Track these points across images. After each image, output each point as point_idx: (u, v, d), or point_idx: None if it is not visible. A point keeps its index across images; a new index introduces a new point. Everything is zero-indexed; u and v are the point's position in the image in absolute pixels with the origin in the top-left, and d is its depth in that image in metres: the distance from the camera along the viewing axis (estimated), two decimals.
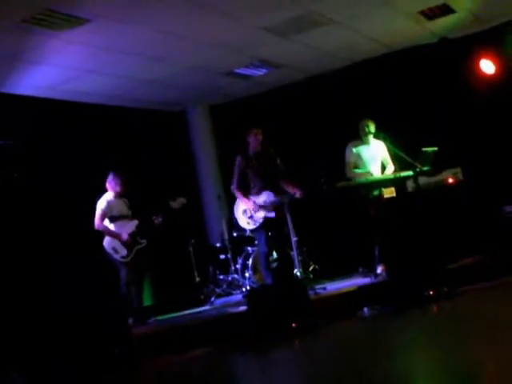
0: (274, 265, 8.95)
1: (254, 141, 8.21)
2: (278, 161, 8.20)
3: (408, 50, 10.01)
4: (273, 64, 10.10)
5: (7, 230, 7.90)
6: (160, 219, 8.32)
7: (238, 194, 8.17)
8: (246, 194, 8.12)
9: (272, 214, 7.98)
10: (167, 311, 9.26)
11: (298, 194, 7.89)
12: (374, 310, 7.08)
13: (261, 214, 7.98)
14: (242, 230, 9.24)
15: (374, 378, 4.02)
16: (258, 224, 8.03)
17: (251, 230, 8.37)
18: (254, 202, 8.01)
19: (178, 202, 8.37)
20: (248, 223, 8.10)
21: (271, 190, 8.06)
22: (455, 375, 3.73)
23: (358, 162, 8.53)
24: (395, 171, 8.48)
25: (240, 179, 8.15)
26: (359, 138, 8.62)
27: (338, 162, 8.63)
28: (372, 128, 8.49)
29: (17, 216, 8.21)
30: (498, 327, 4.87)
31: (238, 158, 8.20)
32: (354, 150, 8.54)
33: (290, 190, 7.98)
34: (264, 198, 8.03)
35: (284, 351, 5.99)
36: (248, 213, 8.04)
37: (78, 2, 6.94)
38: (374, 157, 8.57)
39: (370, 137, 8.53)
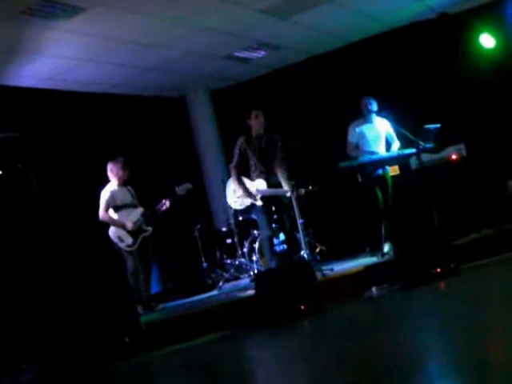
0: (281, 247, 8.97)
1: (255, 123, 8.08)
2: (279, 146, 8.13)
3: (407, 27, 9.94)
4: (272, 46, 10.07)
5: (12, 221, 7.91)
6: (166, 206, 8.30)
7: (234, 174, 8.16)
8: (240, 176, 8.14)
9: (259, 203, 7.98)
10: (175, 297, 9.29)
11: (289, 194, 7.87)
12: (382, 290, 7.10)
13: (247, 201, 8.03)
14: (246, 213, 9.26)
15: (383, 359, 4.02)
16: (243, 207, 8.13)
17: (254, 214, 8.43)
18: (245, 189, 8.02)
19: (183, 188, 8.37)
20: (235, 202, 8.23)
21: (266, 179, 8.06)
22: (465, 354, 3.73)
23: (362, 142, 8.46)
24: (399, 148, 8.46)
25: (239, 159, 8.11)
26: (361, 116, 8.57)
27: (341, 143, 8.59)
28: (374, 105, 8.43)
29: (21, 207, 8.22)
30: (507, 303, 4.87)
31: (240, 139, 8.13)
32: (357, 129, 8.48)
33: (284, 186, 7.95)
34: (257, 186, 8.00)
35: (294, 334, 6.00)
36: (237, 193, 8.13)
37: None
38: (378, 135, 8.51)
39: (373, 114, 8.47)
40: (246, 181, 8.08)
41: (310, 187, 8.53)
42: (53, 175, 8.94)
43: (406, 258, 7.05)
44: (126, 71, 9.70)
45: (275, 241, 8.46)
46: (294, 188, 7.82)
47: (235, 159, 8.15)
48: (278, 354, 5.23)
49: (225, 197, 8.53)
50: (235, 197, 8.20)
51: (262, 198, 7.95)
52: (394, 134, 8.55)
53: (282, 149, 8.11)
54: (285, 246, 8.60)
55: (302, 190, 8.09)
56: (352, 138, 8.47)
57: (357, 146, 8.43)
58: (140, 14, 7.83)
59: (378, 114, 8.47)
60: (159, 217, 8.42)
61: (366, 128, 8.49)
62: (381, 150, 8.46)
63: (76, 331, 6.07)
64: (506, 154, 9.15)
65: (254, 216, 8.84)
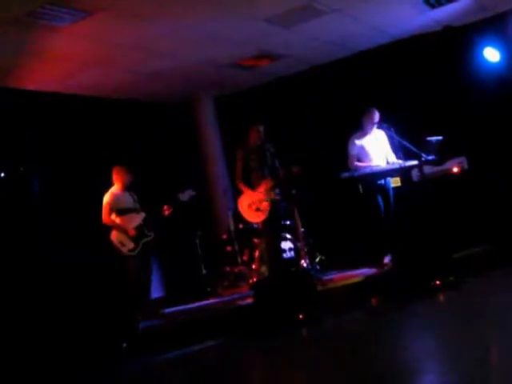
0: (283, 255, 8.98)
1: (254, 136, 8.39)
2: (275, 155, 8.31)
3: (412, 38, 9.95)
4: (276, 55, 10.08)
5: (13, 223, 7.93)
6: (168, 212, 8.31)
7: (243, 188, 8.27)
8: (250, 187, 8.20)
9: (278, 197, 8.08)
10: (175, 304, 9.29)
11: (294, 170, 7.93)
12: (381, 301, 7.09)
13: (266, 203, 8.03)
14: (249, 222, 9.28)
15: (379, 369, 4.03)
16: (267, 213, 8.06)
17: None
18: (258, 196, 8.08)
19: (186, 194, 8.39)
20: (258, 216, 8.14)
21: (270, 179, 8.15)
22: (463, 366, 3.73)
23: (362, 155, 8.45)
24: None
25: (243, 172, 8.26)
26: (361, 128, 8.56)
27: (341, 152, 8.60)
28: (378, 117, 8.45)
29: (23, 209, 8.24)
30: (506, 317, 4.87)
31: (239, 151, 8.41)
32: (357, 142, 8.47)
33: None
34: (264, 186, 8.11)
35: (291, 342, 6.00)
36: (253, 206, 8.08)
37: None
38: (379, 147, 8.51)
39: (375, 126, 8.48)
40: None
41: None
42: (56, 179, 8.96)
43: (406, 270, 7.07)
44: (131, 77, 9.71)
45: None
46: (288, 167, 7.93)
47: (240, 173, 8.31)
48: (275, 361, 5.24)
49: (239, 212, 8.45)
50: (254, 211, 8.17)
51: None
52: (389, 148, 8.53)
53: (276, 157, 8.31)
54: (285, 255, 8.61)
55: (295, 168, 8.04)
56: (353, 150, 8.46)
57: (358, 160, 8.42)
58: (145, 20, 7.85)
59: (378, 125, 8.47)
60: (161, 222, 8.43)
61: (366, 141, 8.49)
62: (381, 163, 8.44)
63: (74, 335, 6.08)
64: (508, 168, 9.15)
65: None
